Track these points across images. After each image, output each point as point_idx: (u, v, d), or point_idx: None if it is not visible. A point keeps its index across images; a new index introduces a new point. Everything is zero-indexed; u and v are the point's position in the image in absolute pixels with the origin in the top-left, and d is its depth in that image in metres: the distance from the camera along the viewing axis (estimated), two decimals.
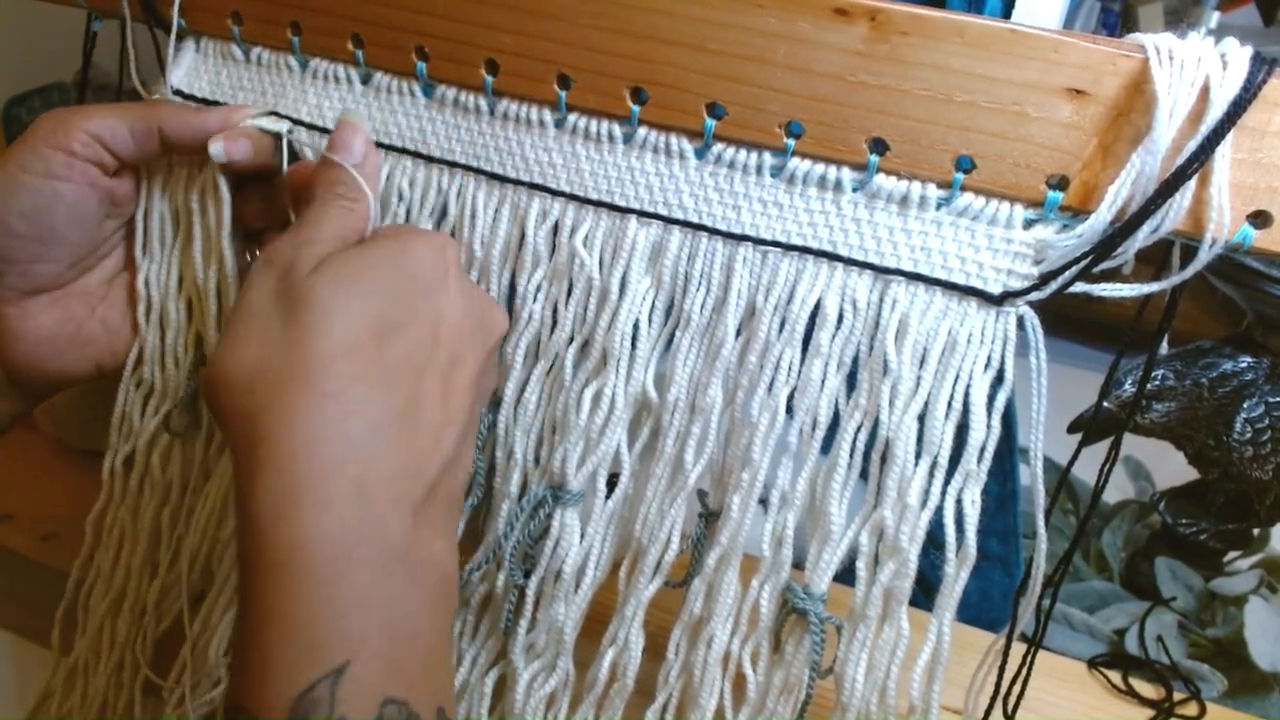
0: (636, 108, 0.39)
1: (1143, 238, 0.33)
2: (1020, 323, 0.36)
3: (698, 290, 0.40)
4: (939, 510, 0.37)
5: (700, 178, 0.39)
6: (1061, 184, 0.34)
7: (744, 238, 0.39)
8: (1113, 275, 0.35)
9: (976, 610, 0.62)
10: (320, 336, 0.34)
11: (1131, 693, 0.57)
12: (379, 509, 0.33)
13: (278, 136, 0.44)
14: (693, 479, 0.41)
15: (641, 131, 0.39)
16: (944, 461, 0.37)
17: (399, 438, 0.34)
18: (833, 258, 0.38)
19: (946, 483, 0.37)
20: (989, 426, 0.37)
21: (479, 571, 0.46)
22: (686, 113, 0.38)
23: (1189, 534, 0.69)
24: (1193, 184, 0.32)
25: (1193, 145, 0.31)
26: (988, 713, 0.44)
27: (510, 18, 0.39)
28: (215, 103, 0.46)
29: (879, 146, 0.36)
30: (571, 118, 0.40)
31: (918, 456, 0.37)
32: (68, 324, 0.45)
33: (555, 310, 0.42)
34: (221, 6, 0.45)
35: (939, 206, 0.36)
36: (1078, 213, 0.34)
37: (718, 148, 0.38)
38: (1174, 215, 0.32)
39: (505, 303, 0.43)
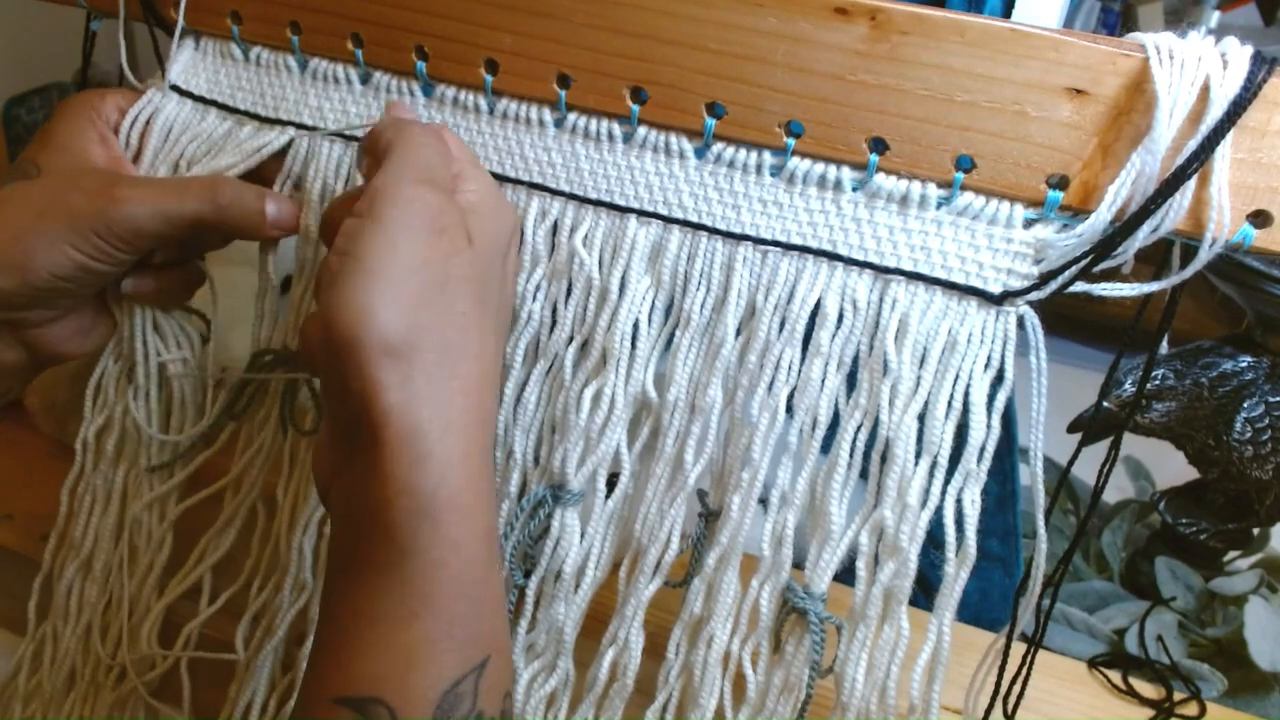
0: (636, 107, 0.39)
1: (1143, 237, 0.33)
2: (1020, 322, 0.36)
3: (697, 290, 0.40)
4: (939, 510, 0.37)
5: (700, 177, 0.39)
6: (1061, 183, 0.34)
7: (744, 237, 0.39)
8: (1113, 275, 0.35)
9: (976, 610, 0.62)
10: (484, 326, 0.34)
11: (1131, 692, 0.57)
12: (494, 497, 0.34)
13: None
14: (693, 479, 0.41)
15: (641, 131, 0.39)
16: (944, 461, 0.37)
17: (492, 416, 0.35)
18: (833, 257, 0.38)
19: (946, 482, 0.37)
20: (989, 426, 0.37)
21: None
22: (686, 112, 0.38)
23: (1189, 534, 0.69)
24: (1193, 183, 0.32)
25: (1193, 145, 0.31)
26: (988, 712, 0.44)
27: (510, 17, 0.39)
28: (212, 101, 0.46)
29: (879, 146, 0.36)
30: (571, 117, 0.40)
31: (918, 456, 0.37)
32: (87, 317, 0.46)
33: (555, 310, 0.42)
34: (221, 6, 0.45)
35: (939, 206, 0.36)
36: (1078, 212, 0.34)
37: (718, 147, 0.38)
38: (1174, 215, 0.32)
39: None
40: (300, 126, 0.45)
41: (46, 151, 0.43)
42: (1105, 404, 0.60)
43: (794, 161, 0.37)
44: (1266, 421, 0.62)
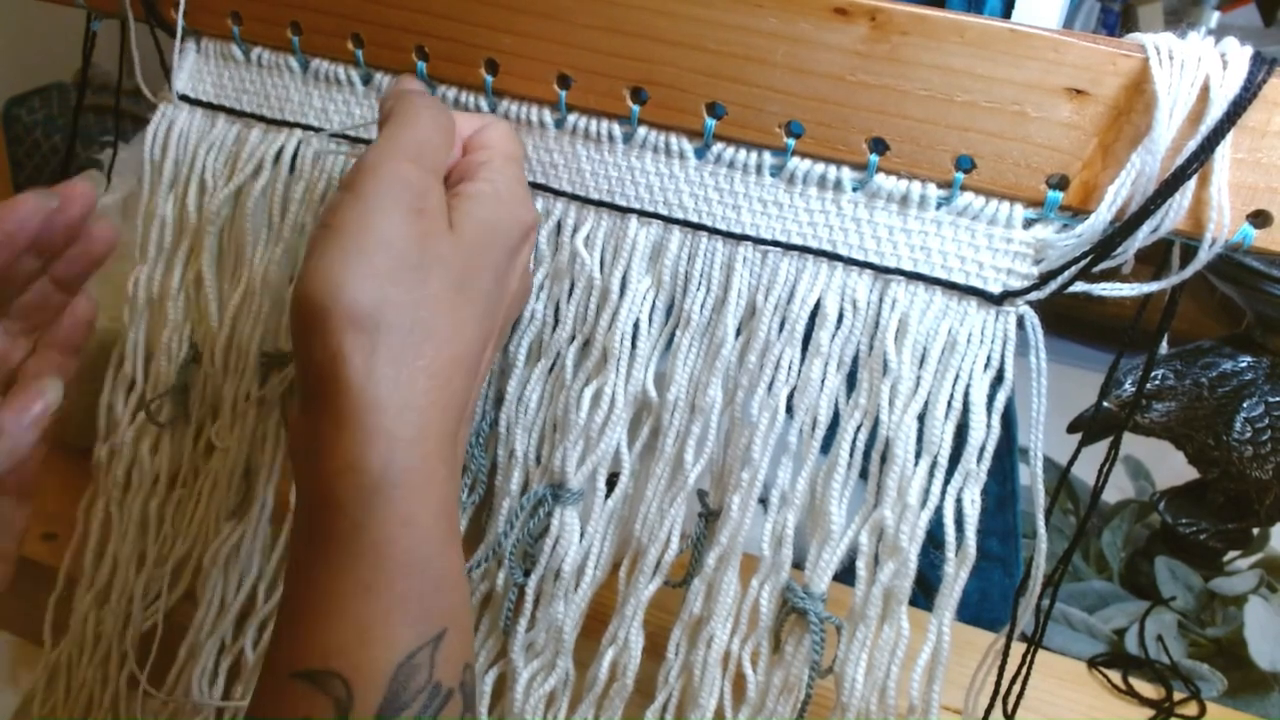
0: (636, 107, 0.39)
1: (1143, 237, 0.33)
2: (1020, 322, 0.36)
3: (698, 290, 0.40)
4: (939, 510, 0.37)
5: (700, 177, 0.39)
6: (1061, 184, 0.34)
7: (744, 237, 0.39)
8: (1112, 275, 0.35)
9: (976, 610, 0.62)
10: (460, 312, 0.33)
11: (1131, 692, 0.57)
12: (455, 478, 0.34)
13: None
14: (692, 478, 0.41)
15: (641, 131, 0.39)
16: (944, 461, 0.37)
17: (461, 403, 0.34)
18: (833, 257, 0.38)
19: (946, 482, 0.37)
20: (989, 426, 0.37)
21: (479, 569, 0.46)
22: (686, 112, 0.38)
23: (1189, 534, 0.69)
24: (1192, 184, 0.32)
25: (1193, 145, 0.31)
26: (988, 712, 0.44)
27: (510, 17, 0.39)
28: (219, 106, 0.46)
29: (879, 146, 0.36)
30: (571, 117, 0.40)
31: (918, 456, 0.37)
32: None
33: (557, 309, 0.43)
34: (220, 6, 0.45)
35: (939, 206, 0.36)
36: (1077, 212, 0.34)
37: (718, 147, 0.38)
38: (1174, 215, 0.32)
39: None
40: (306, 128, 0.45)
41: None
42: (1105, 404, 0.60)
43: (794, 162, 0.37)
44: (1266, 421, 0.62)
